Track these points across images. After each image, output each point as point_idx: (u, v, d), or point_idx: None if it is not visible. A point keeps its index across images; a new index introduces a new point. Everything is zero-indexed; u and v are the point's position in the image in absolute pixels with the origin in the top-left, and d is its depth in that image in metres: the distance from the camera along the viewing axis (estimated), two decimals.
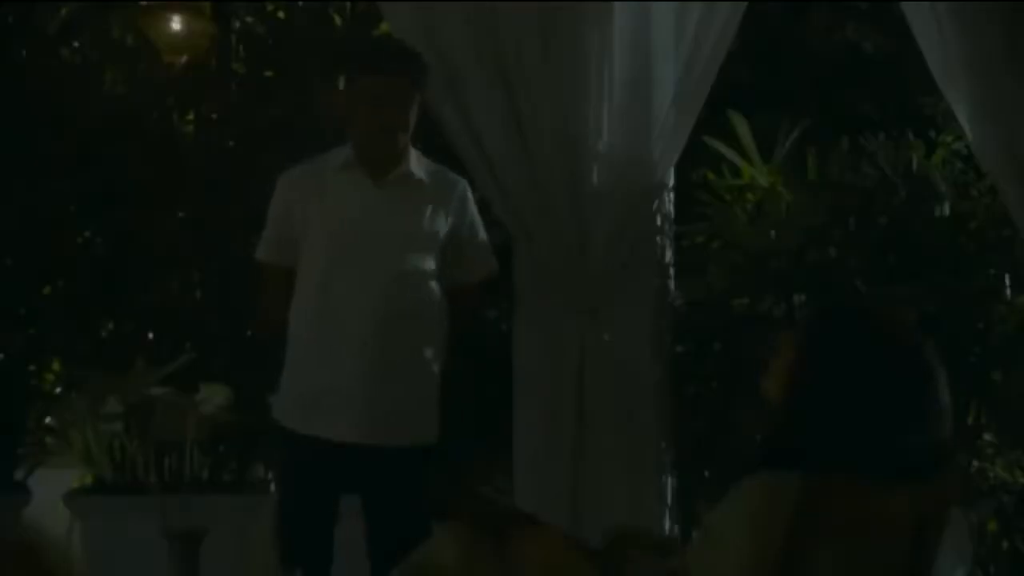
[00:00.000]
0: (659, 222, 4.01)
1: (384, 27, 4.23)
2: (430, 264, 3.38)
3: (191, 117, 4.62)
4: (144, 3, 4.60)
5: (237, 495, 4.11)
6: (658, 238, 4.02)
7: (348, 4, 4.55)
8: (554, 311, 3.84)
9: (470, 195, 3.53)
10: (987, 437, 3.97)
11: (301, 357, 3.37)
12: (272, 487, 4.11)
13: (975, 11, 3.46)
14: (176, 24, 4.45)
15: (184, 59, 4.45)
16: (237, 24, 4.60)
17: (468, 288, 3.50)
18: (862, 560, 1.94)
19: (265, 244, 3.51)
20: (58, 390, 4.76)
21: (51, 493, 4.24)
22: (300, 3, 4.72)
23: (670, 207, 4.11)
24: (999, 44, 3.45)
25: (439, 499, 2.30)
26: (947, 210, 3.75)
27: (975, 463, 3.92)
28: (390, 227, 3.37)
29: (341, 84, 3.85)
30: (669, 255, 4.12)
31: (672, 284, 4.15)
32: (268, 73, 4.37)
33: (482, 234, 3.54)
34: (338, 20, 4.55)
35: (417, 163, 3.44)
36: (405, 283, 3.35)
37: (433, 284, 3.40)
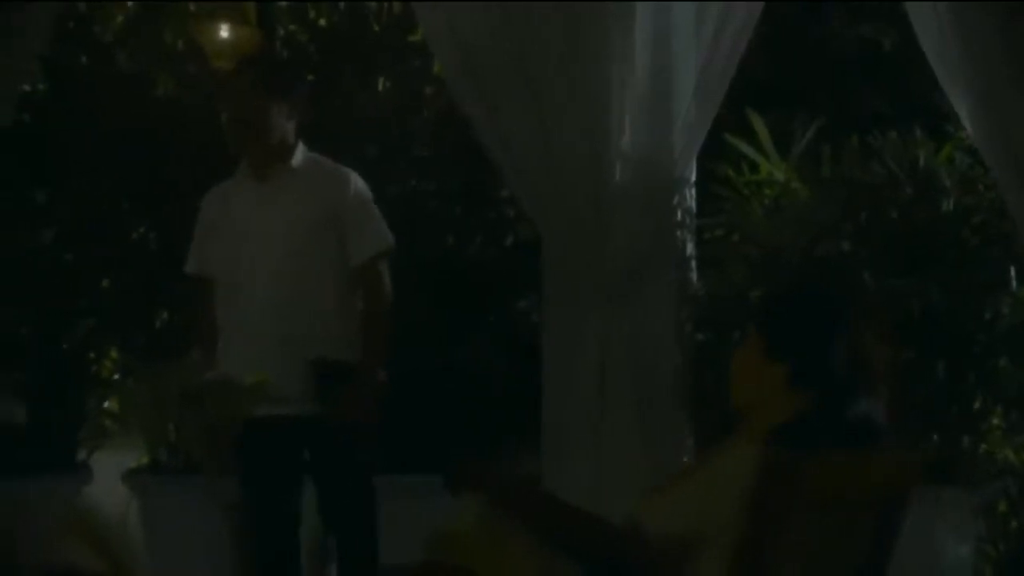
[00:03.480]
0: (680, 216, 4.14)
1: (418, 33, 4.46)
2: (315, 246, 3.58)
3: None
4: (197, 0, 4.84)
5: None
6: (679, 232, 4.15)
7: (384, 9, 4.74)
8: (579, 302, 3.96)
9: (355, 180, 3.68)
10: (995, 422, 4.11)
11: (222, 349, 3.61)
12: None
13: (974, 11, 3.54)
14: (224, 31, 4.71)
15: (231, 64, 4.70)
16: (281, 31, 4.83)
17: (368, 264, 3.65)
18: (829, 529, 2.13)
19: (190, 257, 3.77)
20: (116, 377, 5.02)
21: (110, 473, 4.51)
22: (340, 4, 4.95)
23: (691, 202, 4.24)
24: (997, 44, 3.53)
25: (461, 474, 2.50)
26: (952, 205, 3.88)
27: (983, 446, 4.08)
28: (273, 217, 3.59)
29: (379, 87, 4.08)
30: (690, 248, 4.26)
31: (694, 276, 4.32)
32: (310, 77, 4.58)
33: (374, 214, 3.69)
34: (376, 27, 4.75)
35: (301, 159, 3.66)
36: (294, 265, 3.56)
37: (324, 264, 3.59)
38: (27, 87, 4.53)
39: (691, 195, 4.26)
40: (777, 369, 2.21)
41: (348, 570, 3.56)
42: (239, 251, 3.60)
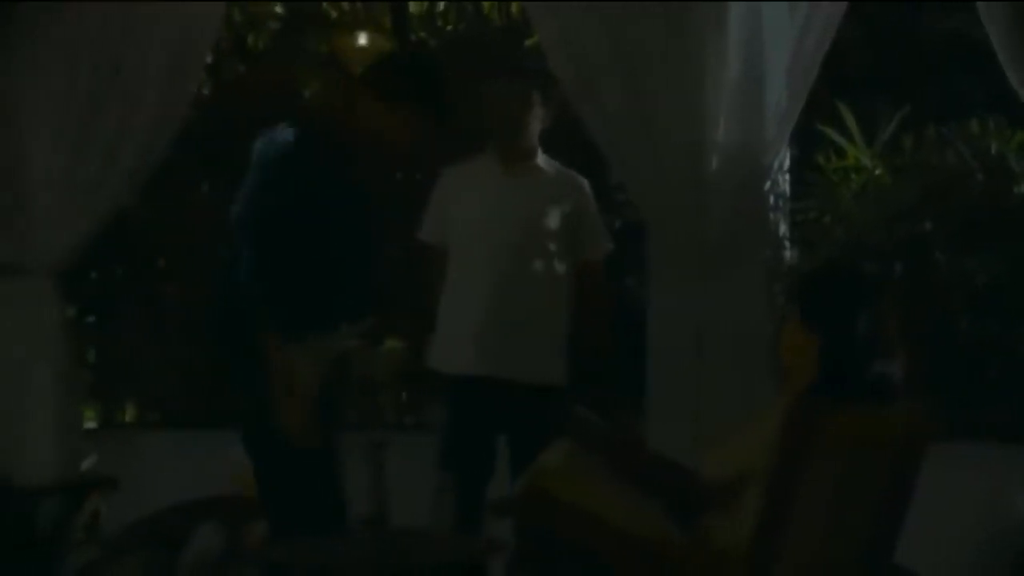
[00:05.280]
0: (774, 200, 4.44)
1: (534, 37, 4.85)
2: (552, 241, 4.05)
3: None
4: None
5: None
6: (773, 214, 4.45)
7: (502, 15, 5.12)
8: (679, 280, 4.21)
9: (588, 189, 4.16)
10: None
11: (444, 312, 4.09)
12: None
13: None
14: (362, 40, 5.22)
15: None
16: (412, 38, 5.29)
17: (592, 264, 4.15)
18: (850, 473, 2.52)
19: (423, 226, 4.22)
20: None
21: None
22: (467, 8, 5.36)
23: (785, 187, 4.56)
24: None
25: (566, 423, 2.97)
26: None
27: None
28: (517, 208, 4.05)
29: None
30: (784, 229, 4.58)
31: (787, 255, 4.65)
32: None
33: (599, 221, 4.17)
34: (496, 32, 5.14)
35: (543, 159, 4.13)
36: (530, 252, 4.02)
37: (554, 253, 4.05)
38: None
39: (785, 180, 4.57)
40: (811, 338, 2.63)
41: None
42: (481, 229, 4.04)
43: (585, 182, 4.21)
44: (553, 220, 4.09)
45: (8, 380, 4.40)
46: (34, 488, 3.29)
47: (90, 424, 5.29)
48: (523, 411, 3.99)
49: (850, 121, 4.71)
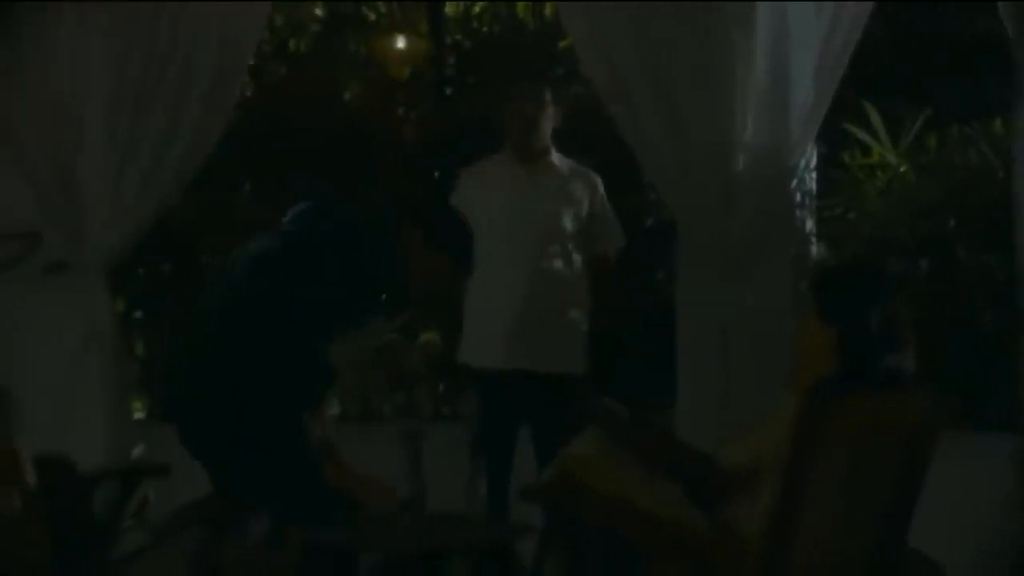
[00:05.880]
0: (800, 198, 4.51)
1: (567, 39, 4.98)
2: (571, 235, 4.21)
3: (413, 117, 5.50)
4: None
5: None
6: (799, 211, 4.52)
7: (536, 17, 5.26)
8: (706, 276, 4.29)
9: (600, 184, 4.32)
10: None
11: (471, 308, 4.26)
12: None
13: None
14: (400, 42, 5.38)
15: (406, 71, 5.36)
16: (448, 40, 5.43)
17: (606, 255, 4.32)
18: (863, 462, 2.62)
19: None
20: None
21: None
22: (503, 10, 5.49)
23: (812, 184, 4.63)
24: None
25: (585, 412, 3.11)
26: None
27: None
28: (538, 204, 4.21)
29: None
30: (810, 225, 4.65)
31: (814, 250, 4.71)
32: (472, 79, 5.16)
33: (613, 216, 4.32)
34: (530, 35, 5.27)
35: (557, 156, 4.29)
36: (551, 247, 4.19)
37: (572, 247, 4.21)
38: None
39: (812, 178, 4.64)
40: (825, 332, 2.74)
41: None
42: (504, 226, 4.21)
43: (598, 178, 4.35)
44: (571, 215, 4.26)
45: (62, 371, 4.57)
46: (92, 473, 3.43)
47: (138, 415, 5.44)
48: (548, 401, 4.15)
49: (876, 120, 4.80)
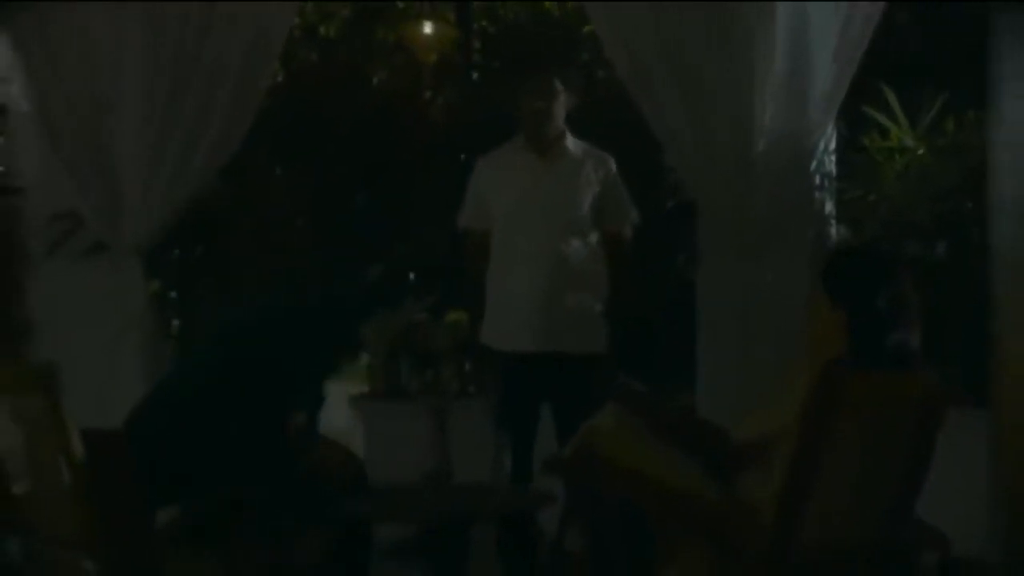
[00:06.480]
0: (819, 180, 4.60)
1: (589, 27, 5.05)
2: (588, 217, 4.33)
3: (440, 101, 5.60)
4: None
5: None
6: (819, 193, 4.60)
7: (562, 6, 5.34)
8: (727, 256, 4.40)
9: (612, 164, 4.42)
10: None
11: (491, 293, 4.37)
12: None
13: None
14: (428, 28, 5.47)
15: (434, 56, 5.46)
16: (475, 26, 5.52)
17: (619, 233, 4.42)
18: (873, 437, 2.71)
19: (464, 213, 4.49)
20: None
21: (338, 399, 5.33)
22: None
23: (832, 167, 4.71)
24: None
25: (605, 388, 3.22)
26: None
27: None
28: (556, 188, 4.32)
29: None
30: (830, 207, 4.71)
31: (833, 231, 4.77)
32: (497, 64, 5.26)
33: (627, 194, 4.43)
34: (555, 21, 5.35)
35: (571, 141, 4.38)
36: (568, 231, 4.30)
37: (589, 229, 4.33)
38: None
39: (831, 161, 4.72)
40: (836, 312, 2.84)
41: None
42: (523, 211, 4.33)
43: (611, 159, 4.46)
44: (588, 197, 4.37)
45: (101, 348, 4.71)
46: None
47: None
48: (570, 380, 4.26)
49: (895, 104, 4.86)
